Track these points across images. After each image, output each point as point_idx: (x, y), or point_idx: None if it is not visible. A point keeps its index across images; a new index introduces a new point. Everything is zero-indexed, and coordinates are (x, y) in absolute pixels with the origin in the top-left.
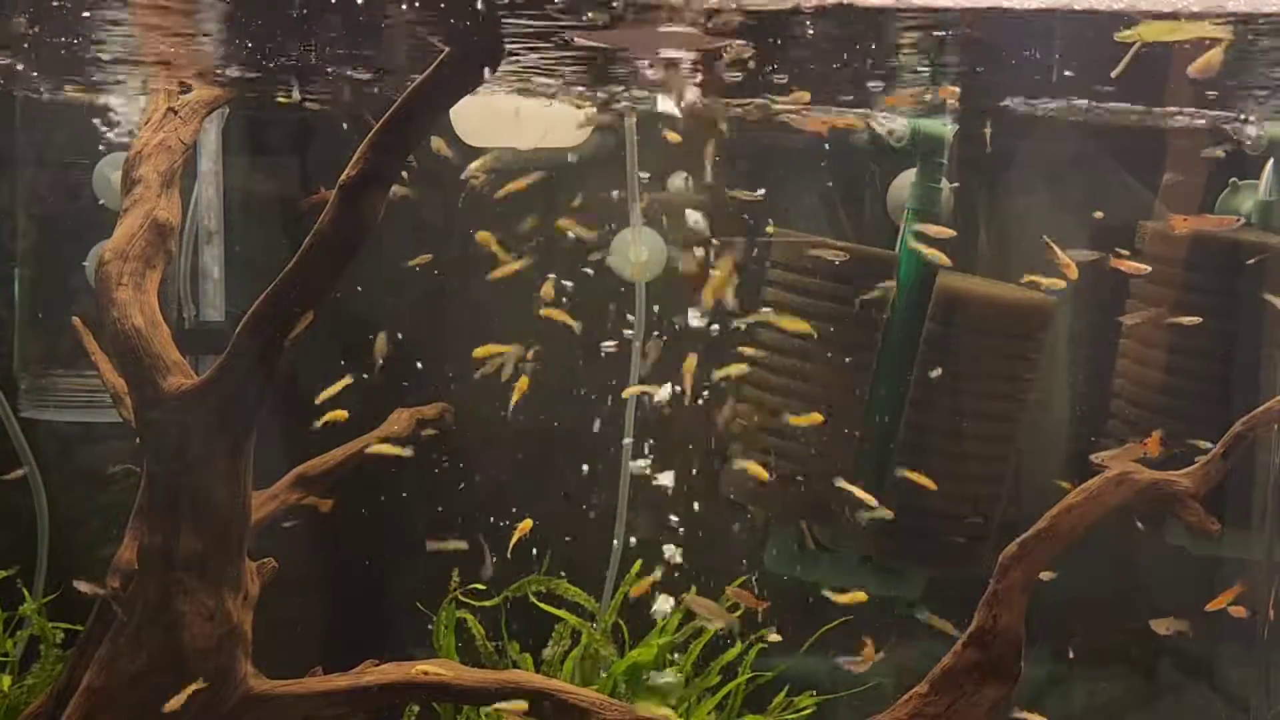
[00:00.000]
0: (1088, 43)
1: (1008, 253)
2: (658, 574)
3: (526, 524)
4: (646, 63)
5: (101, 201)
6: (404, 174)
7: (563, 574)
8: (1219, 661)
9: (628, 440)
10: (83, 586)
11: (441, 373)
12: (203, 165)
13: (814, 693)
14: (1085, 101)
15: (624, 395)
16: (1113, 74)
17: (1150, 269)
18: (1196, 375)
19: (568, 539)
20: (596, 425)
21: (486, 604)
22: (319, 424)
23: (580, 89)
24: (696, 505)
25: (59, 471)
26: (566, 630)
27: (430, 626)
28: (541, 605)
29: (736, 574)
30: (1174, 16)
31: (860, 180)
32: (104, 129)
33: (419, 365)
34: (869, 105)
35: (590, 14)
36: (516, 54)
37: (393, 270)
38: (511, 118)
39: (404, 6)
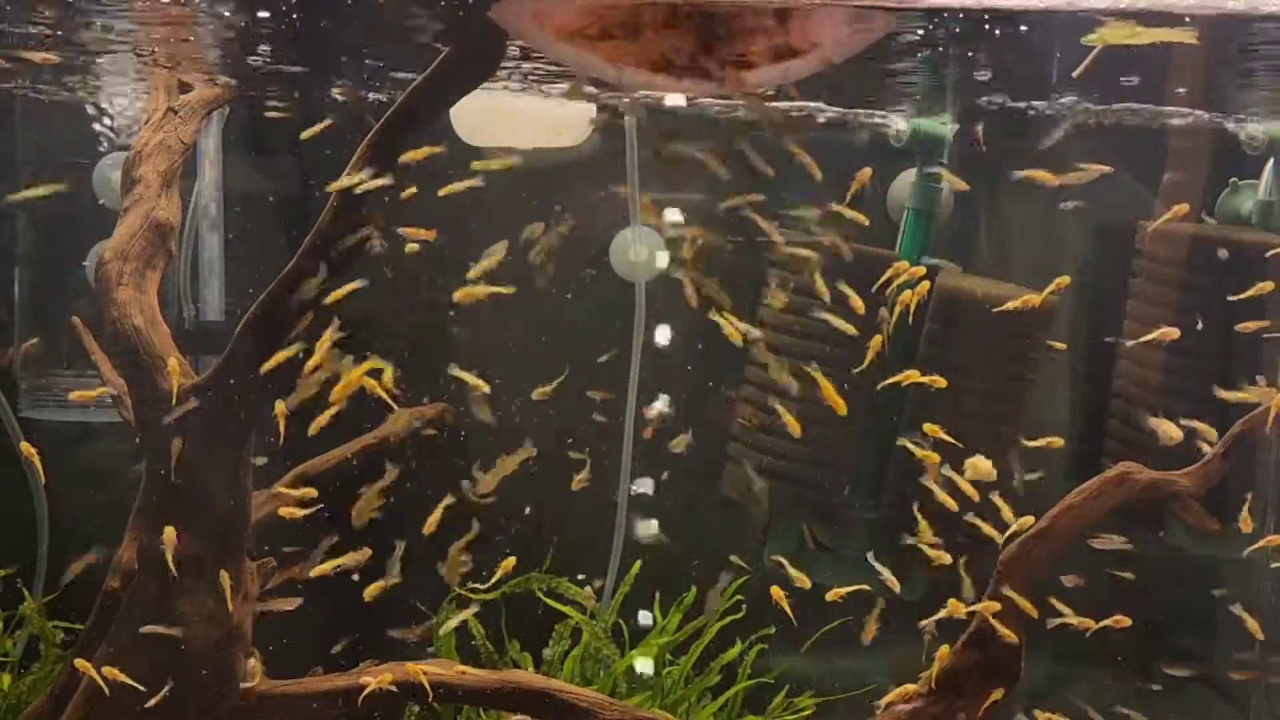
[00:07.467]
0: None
1: (1008, 252)
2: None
3: (510, 562)
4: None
5: (101, 201)
6: None
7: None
8: (1219, 662)
9: (628, 442)
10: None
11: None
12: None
13: (813, 692)
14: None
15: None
16: (1073, 74)
17: None
18: (1196, 375)
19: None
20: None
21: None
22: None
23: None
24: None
25: (59, 471)
26: (566, 630)
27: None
28: (548, 601)
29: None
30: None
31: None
32: (104, 128)
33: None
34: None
35: None
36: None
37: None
38: (512, 117)
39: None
